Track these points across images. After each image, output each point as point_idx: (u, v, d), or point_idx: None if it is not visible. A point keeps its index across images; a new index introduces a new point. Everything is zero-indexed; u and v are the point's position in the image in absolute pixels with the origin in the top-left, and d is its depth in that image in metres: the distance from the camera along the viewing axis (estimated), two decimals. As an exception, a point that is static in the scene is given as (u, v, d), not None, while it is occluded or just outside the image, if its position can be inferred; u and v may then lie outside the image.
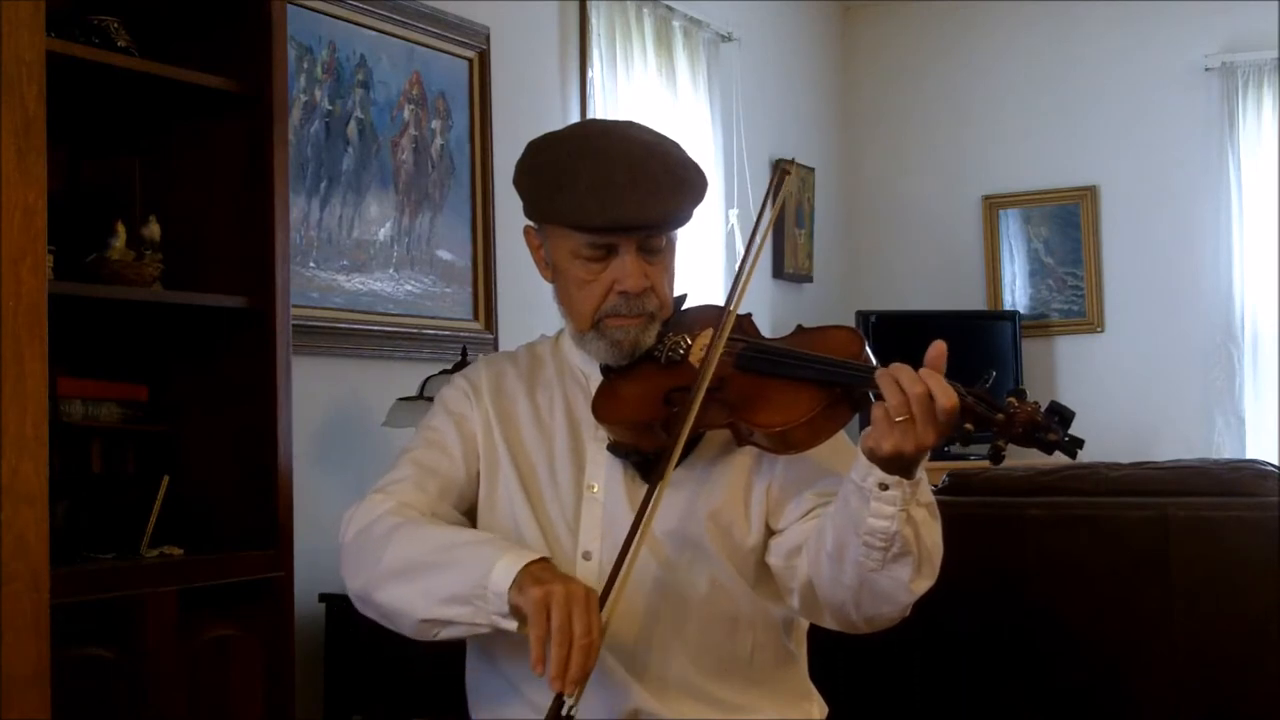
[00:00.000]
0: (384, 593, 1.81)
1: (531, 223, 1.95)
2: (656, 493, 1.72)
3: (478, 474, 1.95)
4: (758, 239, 1.86)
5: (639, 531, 1.72)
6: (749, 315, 1.91)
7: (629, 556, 1.71)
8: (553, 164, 1.88)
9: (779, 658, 1.93)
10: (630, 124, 1.96)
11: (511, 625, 1.70)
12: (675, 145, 1.92)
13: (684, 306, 1.96)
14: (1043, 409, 1.62)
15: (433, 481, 1.91)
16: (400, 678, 3.33)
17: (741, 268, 1.85)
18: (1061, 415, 1.61)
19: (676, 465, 1.85)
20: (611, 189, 1.81)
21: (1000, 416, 1.62)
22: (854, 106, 6.71)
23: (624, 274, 1.84)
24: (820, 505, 1.83)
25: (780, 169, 1.93)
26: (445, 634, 1.78)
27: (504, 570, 1.69)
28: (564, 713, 1.63)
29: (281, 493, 2.82)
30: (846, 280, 6.54)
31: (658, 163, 1.85)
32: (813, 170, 6.27)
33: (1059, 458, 1.64)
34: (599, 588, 1.85)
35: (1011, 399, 1.62)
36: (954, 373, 1.65)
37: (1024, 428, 1.61)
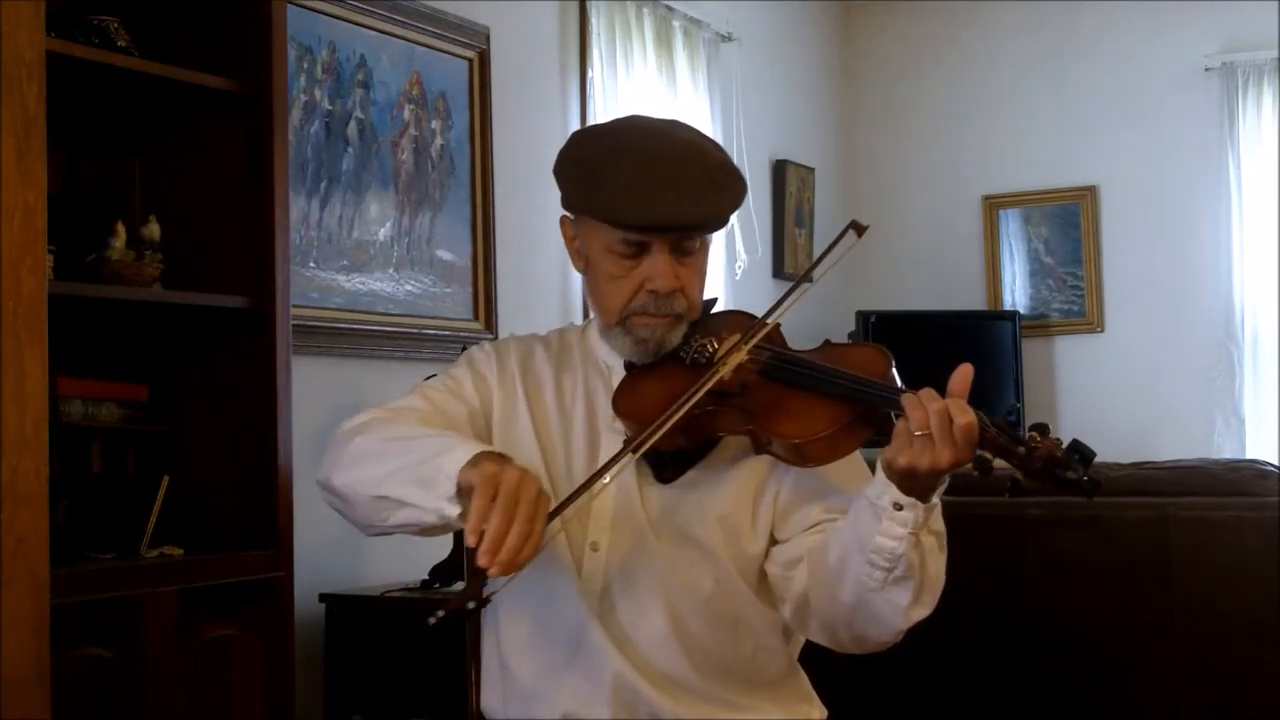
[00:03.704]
0: (343, 474, 1.79)
1: (568, 213, 1.95)
2: (628, 458, 1.73)
3: (480, 436, 1.92)
4: (815, 274, 1.88)
5: (594, 483, 1.72)
6: (778, 326, 1.91)
7: (583, 495, 1.71)
8: (594, 157, 1.87)
9: (780, 662, 1.94)
10: (675, 123, 1.96)
11: (455, 510, 1.65)
12: (718, 148, 1.92)
13: (713, 311, 1.96)
14: (1064, 446, 1.61)
15: (439, 420, 1.90)
16: (400, 678, 3.33)
17: (793, 289, 1.87)
18: (1082, 454, 1.60)
19: (693, 466, 1.85)
20: (650, 188, 1.80)
21: (1021, 450, 1.61)
22: (854, 106, 6.71)
23: (655, 273, 1.84)
24: (826, 520, 1.83)
25: (854, 227, 1.92)
26: (394, 519, 1.74)
27: (463, 452, 1.66)
28: (483, 594, 1.60)
29: (281, 493, 2.82)
30: (846, 280, 6.53)
31: (698, 165, 1.85)
32: (812, 170, 6.27)
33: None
34: (602, 580, 1.86)
35: (1033, 433, 1.62)
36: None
37: (1043, 463, 1.61)
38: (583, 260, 1.94)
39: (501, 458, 1.66)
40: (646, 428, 1.78)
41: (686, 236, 1.85)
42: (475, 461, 1.64)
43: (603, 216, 1.84)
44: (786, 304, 1.88)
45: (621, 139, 1.90)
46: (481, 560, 1.57)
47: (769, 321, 1.86)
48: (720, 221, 1.87)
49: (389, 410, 1.89)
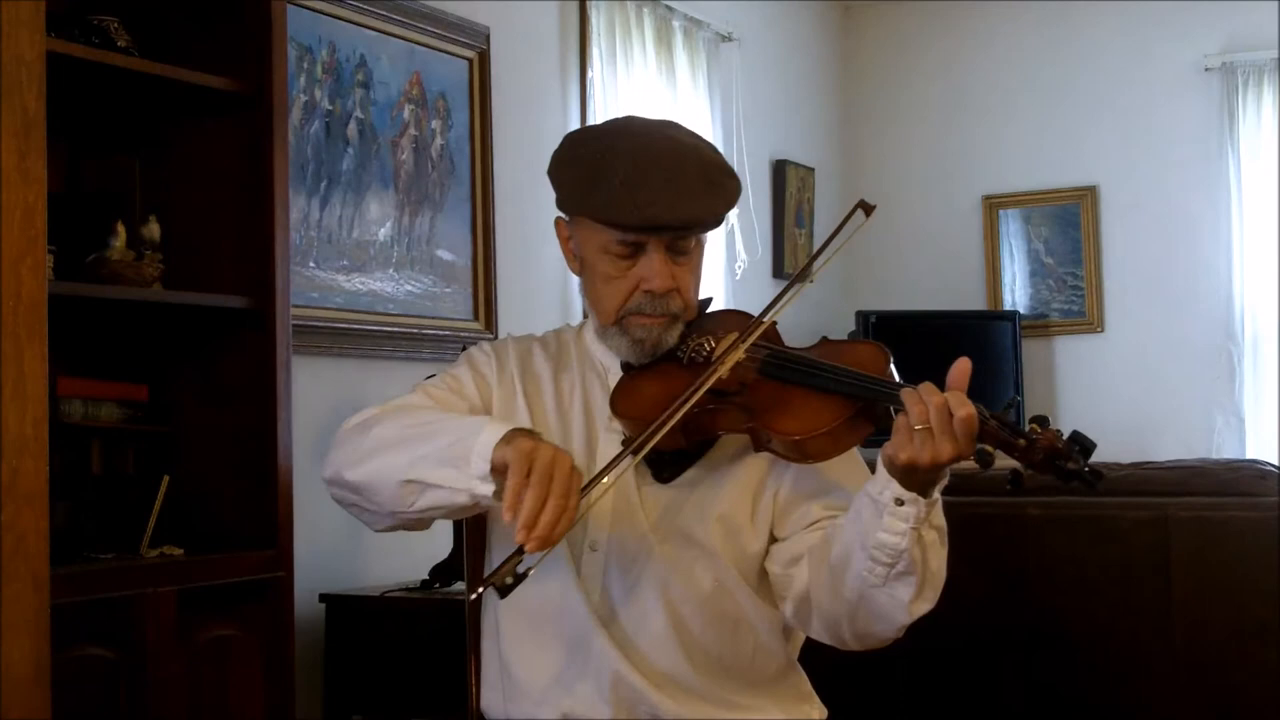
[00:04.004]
0: (363, 466, 1.78)
1: (562, 214, 1.95)
2: (629, 461, 1.73)
3: None
4: (817, 262, 1.88)
5: (608, 472, 1.72)
6: (774, 324, 1.91)
7: (607, 478, 1.71)
8: (589, 158, 1.88)
9: (780, 661, 1.94)
10: (669, 124, 1.96)
11: (488, 489, 1.66)
12: (712, 148, 1.92)
13: (708, 310, 1.96)
14: (1064, 437, 1.62)
15: None
16: (400, 678, 3.33)
17: (791, 284, 1.87)
18: (1083, 445, 1.61)
19: (692, 465, 1.85)
20: (645, 188, 1.81)
21: (1022, 442, 1.62)
22: (854, 106, 6.71)
23: (651, 273, 1.85)
24: (826, 518, 1.83)
25: (861, 206, 1.91)
26: (422, 502, 1.73)
27: (493, 431, 1.67)
28: (519, 569, 1.61)
29: (281, 493, 2.82)
30: (846, 280, 6.54)
31: (693, 165, 1.85)
32: (812, 170, 6.27)
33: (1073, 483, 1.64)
34: (601, 581, 1.86)
35: (1034, 425, 1.63)
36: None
37: (1044, 455, 1.61)
38: (578, 261, 1.94)
39: (533, 434, 1.67)
40: (645, 428, 1.78)
41: (681, 236, 1.86)
42: (508, 439, 1.65)
43: (598, 217, 1.84)
44: (790, 295, 1.88)
45: (616, 140, 1.90)
46: (519, 536, 1.58)
47: (767, 318, 1.86)
48: (716, 221, 1.87)
49: (394, 406, 1.89)
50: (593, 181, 1.84)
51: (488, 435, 1.66)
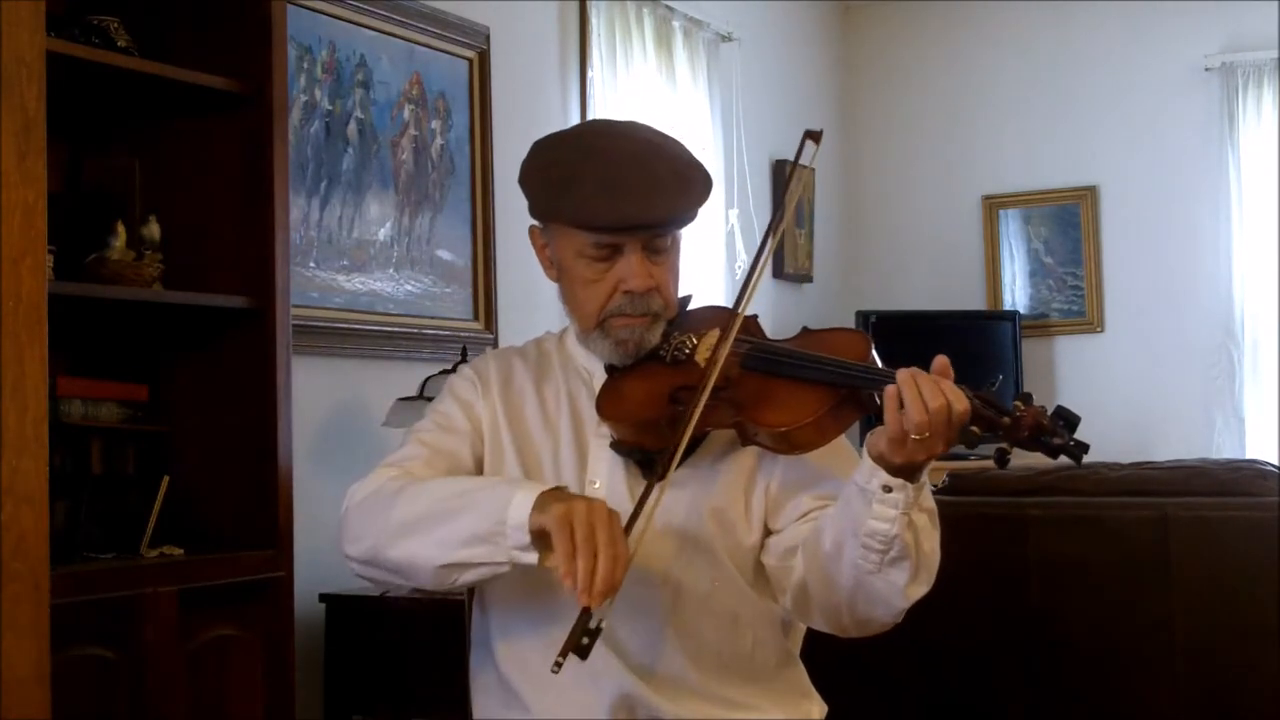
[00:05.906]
0: (396, 548, 1.80)
1: (536, 222, 1.95)
2: (660, 488, 1.73)
3: (480, 461, 1.95)
4: (774, 235, 1.88)
5: (645, 512, 1.71)
6: (755, 317, 1.91)
7: (644, 514, 1.71)
8: (559, 164, 1.88)
9: (779, 656, 1.94)
10: (635, 124, 1.97)
11: (532, 558, 1.68)
12: (680, 145, 1.93)
13: (689, 307, 1.97)
14: (1049, 413, 1.62)
15: (441, 461, 1.92)
16: (400, 678, 3.33)
17: (751, 270, 1.86)
18: (1067, 420, 1.63)
19: (683, 463, 1.85)
20: (618, 189, 1.81)
21: (1007, 420, 1.63)
22: (854, 106, 6.71)
23: (629, 274, 1.85)
24: (818, 508, 1.84)
25: (808, 138, 1.89)
26: (465, 578, 1.77)
27: (522, 500, 1.69)
28: (591, 625, 1.63)
29: (281, 493, 2.81)
30: (846, 280, 6.54)
31: (663, 163, 1.86)
32: (813, 170, 6.27)
33: (1061, 457, 1.65)
34: None
35: (1018, 403, 1.64)
36: (958, 373, 1.66)
37: (1030, 431, 1.62)
38: (555, 268, 1.95)
39: (560, 491, 1.69)
40: (632, 429, 1.81)
41: (657, 235, 1.86)
42: (540, 505, 1.67)
43: (574, 221, 1.85)
44: (758, 278, 1.86)
45: (585, 142, 1.91)
46: (582, 600, 1.61)
47: (742, 306, 1.84)
48: (690, 217, 1.88)
49: (395, 469, 1.89)
50: (566, 186, 1.85)
51: (518, 508, 1.68)
